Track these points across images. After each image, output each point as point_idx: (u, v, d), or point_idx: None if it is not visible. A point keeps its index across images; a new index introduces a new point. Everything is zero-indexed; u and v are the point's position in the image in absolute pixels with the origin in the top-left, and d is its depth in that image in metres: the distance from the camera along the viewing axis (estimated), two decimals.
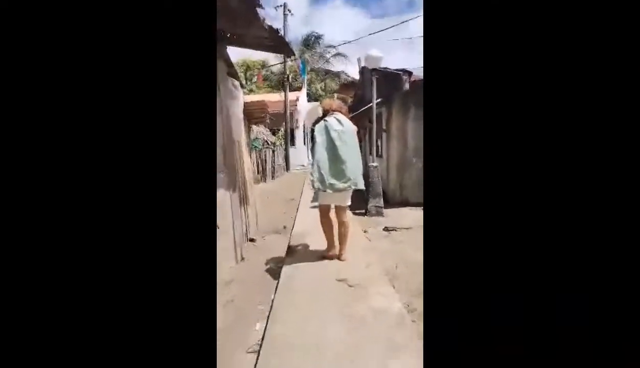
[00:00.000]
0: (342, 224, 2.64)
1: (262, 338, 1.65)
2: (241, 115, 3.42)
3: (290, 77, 12.74)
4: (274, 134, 11.78)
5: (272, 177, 9.60)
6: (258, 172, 8.63)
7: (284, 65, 13.00)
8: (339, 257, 2.68)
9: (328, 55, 18.65)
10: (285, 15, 12.57)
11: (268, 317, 1.88)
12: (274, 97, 12.52)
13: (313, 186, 2.53)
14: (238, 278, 2.50)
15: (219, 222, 2.38)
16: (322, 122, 2.55)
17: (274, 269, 2.65)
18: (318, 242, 3.03)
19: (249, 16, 2.01)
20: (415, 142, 4.94)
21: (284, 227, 3.99)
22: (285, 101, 12.15)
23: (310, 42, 18.18)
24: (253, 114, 4.42)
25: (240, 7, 1.92)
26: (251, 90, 15.30)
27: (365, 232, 3.65)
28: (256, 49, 2.84)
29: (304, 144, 15.42)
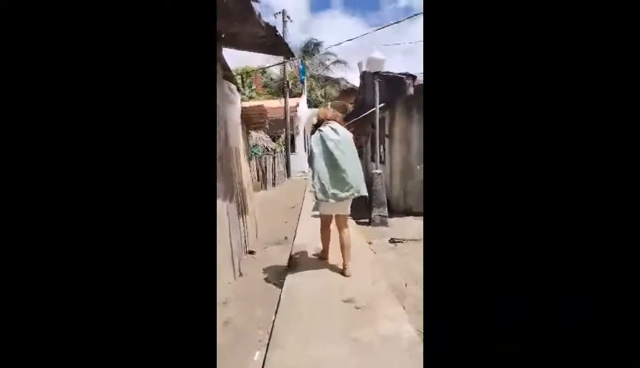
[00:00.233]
0: (343, 233, 2.59)
1: None
2: (239, 121, 3.25)
3: (290, 83, 12.62)
4: (274, 140, 11.66)
5: (273, 184, 9.45)
6: (258, 179, 8.49)
7: (284, 71, 12.92)
8: (343, 272, 2.54)
9: (328, 62, 18.70)
10: (284, 21, 12.54)
11: (268, 344, 1.68)
12: (274, 104, 12.41)
13: (316, 198, 2.50)
14: (236, 295, 2.31)
15: None
16: (317, 133, 2.54)
17: (275, 286, 2.47)
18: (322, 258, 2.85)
19: (244, 12, 1.85)
20: (419, 148, 4.77)
21: (285, 238, 3.81)
22: (285, 107, 12.03)
23: (310, 48, 18.20)
24: (252, 119, 4.27)
25: (235, 3, 1.77)
26: (251, 97, 15.23)
27: (370, 243, 3.46)
28: (253, 50, 2.70)
29: (305, 150, 15.30)
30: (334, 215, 2.63)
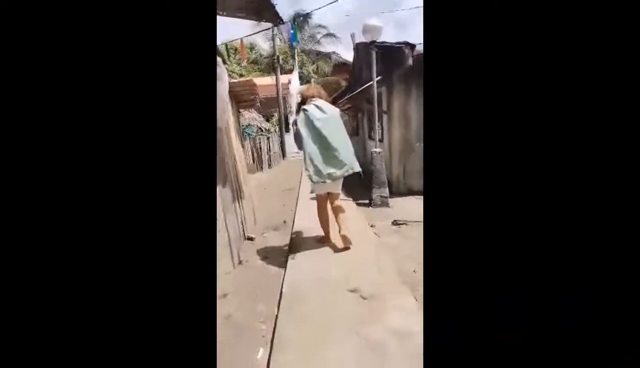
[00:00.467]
0: (337, 209, 2.64)
1: None
2: (227, 99, 2.98)
3: (280, 58, 12.03)
4: (267, 120, 11.30)
5: (269, 166, 9.24)
6: (253, 161, 8.28)
7: (273, 45, 12.27)
8: (344, 244, 2.58)
9: (319, 36, 17.93)
10: None
11: (272, 340, 1.57)
12: (265, 81, 11.89)
13: (311, 180, 2.44)
14: (236, 287, 2.19)
15: None
16: (302, 113, 2.48)
17: (276, 275, 2.34)
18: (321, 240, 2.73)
19: None
20: (419, 125, 4.56)
21: (284, 222, 3.68)
22: (277, 84, 11.53)
23: (299, 21, 17.35)
24: (241, 97, 3.99)
25: None
26: (241, 75, 14.62)
27: (372, 226, 3.33)
28: (238, 16, 2.41)
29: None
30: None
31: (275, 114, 11.93)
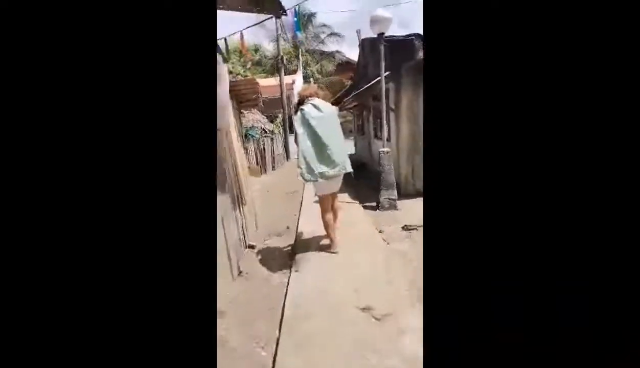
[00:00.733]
0: (336, 210, 2.69)
1: None
2: (227, 97, 2.80)
3: (284, 58, 11.83)
4: (271, 121, 11.15)
5: (272, 168, 9.08)
6: (257, 164, 8.13)
7: (277, 45, 12.10)
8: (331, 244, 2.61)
9: (323, 35, 17.77)
10: None
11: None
12: (268, 82, 11.72)
13: (303, 179, 2.43)
14: (234, 302, 2.01)
15: None
16: (299, 113, 2.49)
17: (277, 289, 2.16)
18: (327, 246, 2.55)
19: None
20: None
21: (287, 228, 3.49)
22: (280, 84, 11.36)
23: (304, 20, 17.19)
24: (243, 96, 3.81)
25: None
26: (246, 76, 14.54)
27: (380, 232, 3.12)
28: (240, 9, 2.25)
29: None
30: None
31: (280, 115, 11.77)
